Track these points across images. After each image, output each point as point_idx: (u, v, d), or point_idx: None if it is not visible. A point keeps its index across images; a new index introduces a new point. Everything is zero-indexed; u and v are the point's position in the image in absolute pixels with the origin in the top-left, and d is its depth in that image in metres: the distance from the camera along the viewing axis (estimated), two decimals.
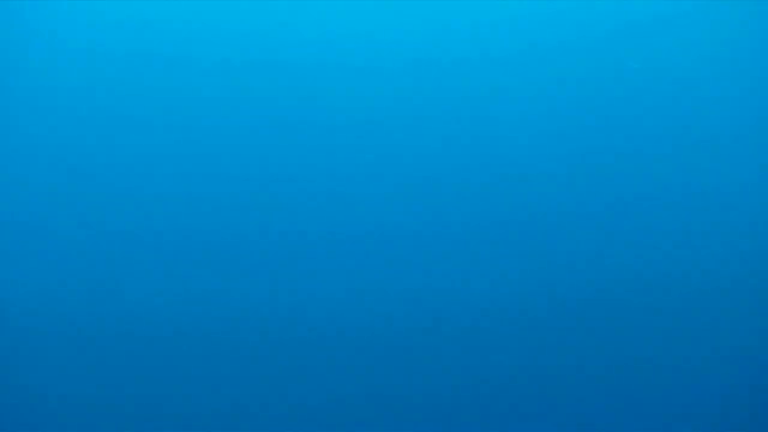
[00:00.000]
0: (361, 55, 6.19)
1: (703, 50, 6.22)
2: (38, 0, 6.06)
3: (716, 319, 6.00)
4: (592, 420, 5.93)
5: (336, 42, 6.20)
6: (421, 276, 6.06)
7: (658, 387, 5.95)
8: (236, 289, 6.02)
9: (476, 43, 6.21)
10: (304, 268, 6.06)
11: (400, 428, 5.92)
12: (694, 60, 6.22)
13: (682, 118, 6.18)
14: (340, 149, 6.15)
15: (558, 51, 6.22)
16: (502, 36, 6.21)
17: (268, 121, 6.16)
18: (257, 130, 6.15)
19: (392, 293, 6.04)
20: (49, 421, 5.82)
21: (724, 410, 5.92)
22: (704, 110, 6.19)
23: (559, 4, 6.23)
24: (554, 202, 6.12)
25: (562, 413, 5.93)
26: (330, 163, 6.14)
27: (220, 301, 6.01)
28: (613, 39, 6.21)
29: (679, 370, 5.96)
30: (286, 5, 6.21)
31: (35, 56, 6.08)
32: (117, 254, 6.00)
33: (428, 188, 6.13)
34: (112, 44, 6.13)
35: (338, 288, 6.04)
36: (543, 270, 6.06)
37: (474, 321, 6.01)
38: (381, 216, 6.11)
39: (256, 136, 6.15)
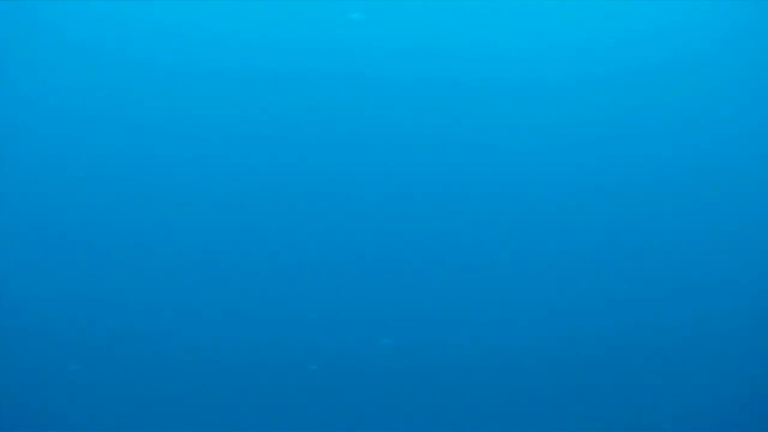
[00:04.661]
0: (358, 60, 6.24)
1: (700, 54, 6.26)
2: (41, 1, 6.12)
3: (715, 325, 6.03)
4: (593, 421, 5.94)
5: (334, 50, 6.25)
6: (421, 277, 6.09)
7: (659, 389, 5.97)
8: (235, 295, 6.05)
9: (473, 48, 6.26)
10: (304, 274, 6.09)
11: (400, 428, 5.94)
12: (692, 66, 6.27)
13: (683, 123, 6.23)
14: (338, 154, 6.19)
15: (553, 58, 6.27)
16: (498, 39, 6.25)
17: (268, 128, 6.21)
18: (256, 135, 6.19)
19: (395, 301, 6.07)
20: (48, 420, 5.84)
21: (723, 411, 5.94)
22: (701, 113, 6.22)
23: (556, 5, 6.27)
24: (553, 202, 6.15)
25: (563, 414, 5.95)
26: (329, 167, 6.18)
27: (218, 303, 6.04)
28: (615, 47, 6.26)
29: (679, 371, 5.97)
30: (285, 12, 6.26)
31: (38, 58, 6.13)
32: (116, 255, 6.03)
33: (426, 190, 6.17)
34: (113, 48, 6.18)
35: (336, 295, 6.07)
36: (543, 270, 6.09)
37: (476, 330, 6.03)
38: (379, 220, 6.14)
39: (255, 139, 6.19)
